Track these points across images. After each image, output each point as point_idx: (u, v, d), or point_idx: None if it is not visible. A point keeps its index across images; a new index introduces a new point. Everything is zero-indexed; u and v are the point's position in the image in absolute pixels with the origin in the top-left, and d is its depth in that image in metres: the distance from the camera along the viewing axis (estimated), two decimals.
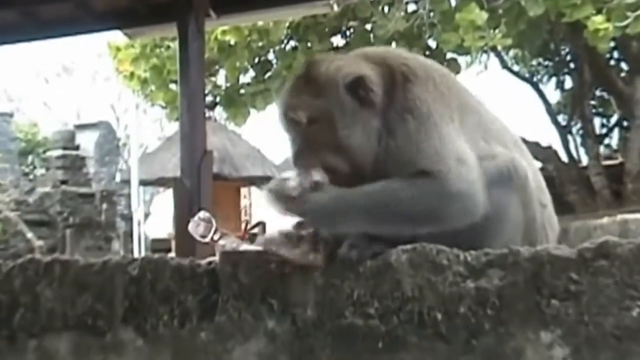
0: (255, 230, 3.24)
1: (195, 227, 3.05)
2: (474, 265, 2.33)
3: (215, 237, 3.06)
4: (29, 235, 24.64)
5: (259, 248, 2.70)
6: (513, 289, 2.27)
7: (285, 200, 2.63)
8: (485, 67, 24.55)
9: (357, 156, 2.74)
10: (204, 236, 3.02)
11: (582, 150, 24.32)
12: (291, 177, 2.69)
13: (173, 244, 19.55)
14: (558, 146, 23.36)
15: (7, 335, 2.93)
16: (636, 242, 2.18)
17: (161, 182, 25.02)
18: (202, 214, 3.04)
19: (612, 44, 16.82)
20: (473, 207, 2.58)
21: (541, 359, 2.21)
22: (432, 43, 17.08)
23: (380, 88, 2.79)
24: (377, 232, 2.57)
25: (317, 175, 2.65)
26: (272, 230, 2.70)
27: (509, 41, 16.95)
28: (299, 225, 2.68)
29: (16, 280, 2.94)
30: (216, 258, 2.77)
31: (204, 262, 2.74)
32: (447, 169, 2.59)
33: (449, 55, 16.70)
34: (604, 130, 28.11)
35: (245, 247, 2.98)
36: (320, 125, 2.78)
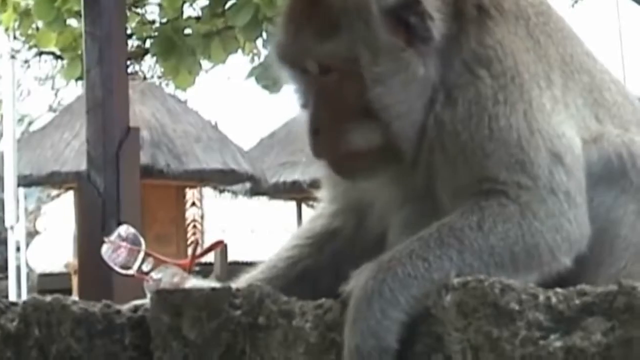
0: (208, 256, 3.27)
1: (112, 253, 3.09)
2: (563, 312, 2.36)
3: (145, 268, 3.10)
4: None
5: (217, 285, 2.74)
6: (626, 350, 2.30)
7: None
8: None
9: (395, 126, 2.75)
10: (126, 266, 3.06)
11: None
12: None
13: (74, 281, 19.56)
14: None
15: None
16: None
17: (55, 181, 25.05)
18: (124, 230, 3.08)
19: None
20: (577, 232, 2.65)
21: None
22: None
23: (441, 17, 2.79)
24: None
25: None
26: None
27: None
28: None
29: None
30: (146, 301, 2.80)
31: (125, 307, 2.77)
32: (533, 179, 2.64)
33: None
34: None
35: (193, 282, 3.02)
36: (340, 77, 2.79)
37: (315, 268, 2.98)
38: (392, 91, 2.74)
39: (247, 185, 26.97)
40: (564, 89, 2.76)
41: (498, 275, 2.43)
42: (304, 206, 26.32)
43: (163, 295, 2.72)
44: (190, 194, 26.92)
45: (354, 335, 2.44)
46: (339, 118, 2.77)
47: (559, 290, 2.40)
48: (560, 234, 2.61)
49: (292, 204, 27.51)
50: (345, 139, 2.77)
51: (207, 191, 27.87)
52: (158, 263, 3.13)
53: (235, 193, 28.89)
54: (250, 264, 3.32)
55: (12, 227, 21.02)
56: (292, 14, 2.87)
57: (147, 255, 3.13)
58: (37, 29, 18.32)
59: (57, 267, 24.76)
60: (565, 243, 2.61)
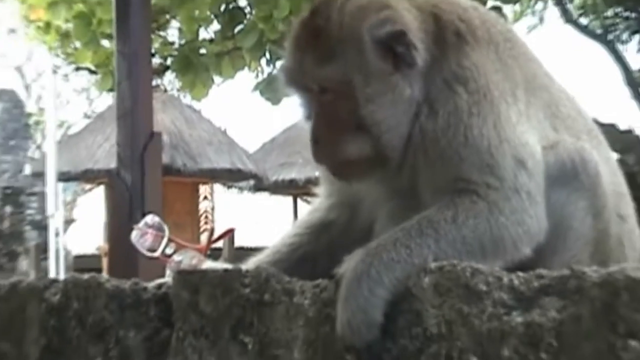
0: (220, 242, 3.27)
1: (141, 237, 3.08)
2: (523, 292, 2.36)
3: (168, 251, 3.09)
4: None
5: (229, 266, 2.73)
6: (576, 325, 2.29)
7: None
8: (541, 20, 24.63)
9: (384, 139, 2.75)
10: (152, 249, 3.05)
11: None
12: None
13: (105, 262, 19.54)
14: None
15: None
16: None
17: (89, 177, 25.06)
18: (151, 219, 3.08)
19: None
20: (536, 225, 2.66)
21: None
22: None
23: (424, 46, 2.79)
24: None
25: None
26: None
27: None
28: None
29: None
30: (168, 280, 2.79)
31: (151, 285, 2.77)
32: (500, 180, 2.64)
33: (490, 2, 16.75)
34: None
35: (209, 264, 3.01)
36: (337, 96, 2.79)
37: (313, 253, 2.98)
38: (381, 109, 2.74)
39: (251, 182, 27.03)
40: (527, 104, 2.77)
41: (469, 261, 2.44)
42: (299, 201, 26.34)
43: (183, 275, 2.71)
44: (203, 189, 26.90)
45: (345, 310, 2.44)
46: (335, 130, 2.78)
47: (520, 274, 2.39)
48: (522, 227, 2.62)
49: (289, 199, 27.54)
50: (341, 149, 2.78)
51: (217, 187, 27.86)
52: (179, 247, 3.13)
53: (241, 189, 28.90)
54: (253, 249, 3.32)
55: (52, 216, 21.03)
56: (297, 42, 2.86)
57: (169, 240, 3.12)
58: (75, 48, 18.28)
59: (89, 249, 24.74)
60: (526, 235, 2.62)
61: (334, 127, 2.78)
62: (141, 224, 3.16)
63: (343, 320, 2.44)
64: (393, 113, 2.74)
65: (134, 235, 3.13)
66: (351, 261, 2.52)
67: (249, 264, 2.92)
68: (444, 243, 2.54)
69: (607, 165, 2.87)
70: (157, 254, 3.12)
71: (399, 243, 2.53)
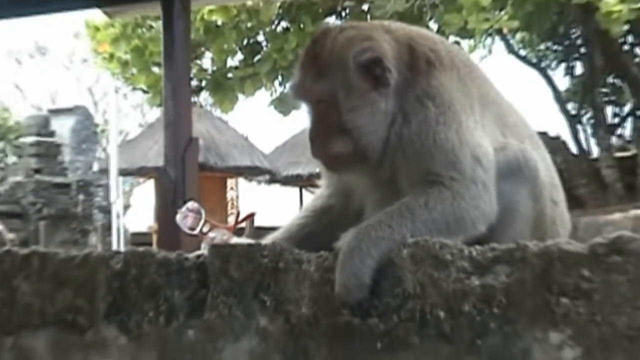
0: (243, 223, 3.26)
1: (183, 219, 3.07)
2: (480, 261, 2.35)
3: (205, 230, 3.08)
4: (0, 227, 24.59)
5: (251, 241, 2.71)
6: (521, 287, 2.28)
7: None
8: (490, 52, 24.55)
9: (363, 140, 2.74)
10: (192, 228, 3.04)
11: (592, 141, 24.38)
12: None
13: (154, 238, 19.55)
14: (567, 137, 23.41)
15: None
16: None
17: (142, 172, 25.02)
18: (191, 204, 3.06)
19: (625, 27, 16.85)
20: (489, 209, 2.64)
21: None
22: (433, 25, 17.09)
23: (396, 69, 2.78)
24: None
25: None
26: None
27: (515, 23, 17.02)
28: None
29: None
30: (205, 251, 2.78)
31: (191, 255, 2.75)
32: (460, 172, 2.62)
33: (451, 38, 16.72)
34: (617, 120, 28.17)
35: (236, 240, 3.00)
36: (327, 106, 2.78)
37: (317, 231, 2.97)
38: (360, 118, 2.74)
39: (267, 176, 27.02)
40: (481, 115, 2.77)
41: (438, 237, 2.44)
42: (304, 191, 26.32)
43: (216, 248, 2.70)
44: (230, 182, 26.88)
45: (341, 275, 2.44)
46: (327, 132, 2.79)
47: (477, 247, 2.39)
48: (479, 210, 2.61)
49: (296, 190, 27.52)
50: (331, 146, 2.78)
51: (241, 180, 27.83)
52: (213, 227, 3.11)
53: (259, 182, 28.88)
54: (268, 229, 3.31)
55: (114, 202, 21.10)
56: (300, 64, 2.86)
57: (205, 221, 3.11)
58: (132, 73, 18.25)
59: (142, 228, 24.73)
60: (482, 217, 2.62)
61: (326, 130, 2.78)
62: (184, 208, 3.15)
63: (340, 283, 2.44)
64: (371, 121, 2.74)
65: (178, 217, 3.11)
66: (346, 238, 2.52)
67: (267, 240, 2.91)
68: (418, 223, 2.53)
69: (543, 162, 2.87)
70: (196, 231, 3.11)
71: (383, 224, 2.52)
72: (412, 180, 2.68)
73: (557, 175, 3.00)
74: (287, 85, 17.94)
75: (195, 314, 2.66)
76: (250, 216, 3.34)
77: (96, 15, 16.54)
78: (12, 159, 34.03)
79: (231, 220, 3.42)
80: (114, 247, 20.02)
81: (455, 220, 2.58)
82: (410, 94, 2.75)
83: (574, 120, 24.33)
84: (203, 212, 3.12)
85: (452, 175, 2.62)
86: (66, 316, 2.82)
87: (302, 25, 17.61)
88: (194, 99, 18.98)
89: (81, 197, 27.41)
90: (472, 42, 18.97)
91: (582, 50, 25.61)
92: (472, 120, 2.73)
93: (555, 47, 27.19)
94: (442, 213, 2.58)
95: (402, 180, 2.72)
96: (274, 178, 26.93)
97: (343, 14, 18.65)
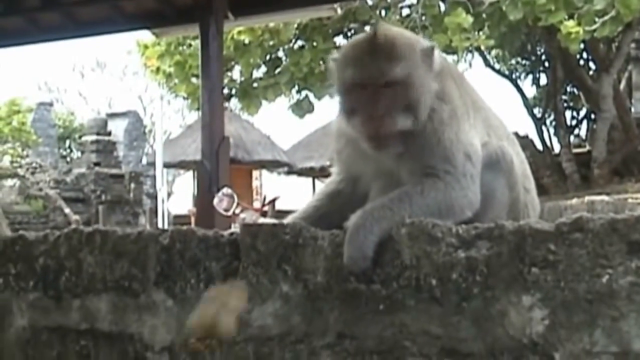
0: (266, 208, 3.25)
1: (219, 202, 3.07)
2: (465, 237, 2.34)
3: (237, 211, 3.08)
4: (67, 210, 24.71)
5: (275, 221, 2.71)
6: (498, 259, 2.27)
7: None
8: (470, 66, 24.54)
9: (422, 116, 2.65)
10: (227, 210, 3.04)
11: (554, 140, 24.36)
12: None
13: (192, 220, 19.59)
14: (534, 136, 23.43)
15: (54, 295, 2.96)
16: (606, 218, 2.19)
17: (182, 165, 25.13)
18: (226, 190, 3.06)
19: (582, 45, 16.80)
20: (475, 198, 2.61)
21: (522, 319, 2.22)
22: None
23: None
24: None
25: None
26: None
27: (491, 42, 17.00)
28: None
29: (62, 248, 2.96)
30: (237, 230, 2.78)
31: (226, 233, 2.75)
32: (454, 168, 2.59)
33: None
34: (574, 122, 28.18)
35: (262, 220, 3.00)
36: (399, 86, 2.63)
37: (329, 213, 2.93)
38: (424, 96, 2.64)
39: (285, 169, 27.04)
40: (474, 119, 2.74)
41: (431, 219, 2.42)
42: (316, 181, 26.33)
43: (246, 227, 2.69)
44: (254, 173, 26.92)
45: (348, 249, 2.42)
46: (393, 110, 2.62)
47: (463, 226, 2.38)
48: (467, 199, 2.59)
49: (310, 180, 27.53)
50: (394, 122, 2.62)
51: (264, 172, 27.86)
52: (244, 209, 3.12)
53: (279, 173, 28.92)
54: (287, 212, 3.30)
55: (160, 189, 21.11)
56: (365, 55, 2.67)
57: (238, 204, 3.11)
58: (175, 83, 18.24)
59: (183, 212, 24.80)
60: (469, 205, 2.59)
61: (393, 108, 2.62)
62: (220, 193, 3.15)
63: (347, 255, 2.42)
64: (428, 100, 2.66)
65: (216, 201, 3.12)
66: (353, 218, 2.49)
67: (288, 220, 2.90)
68: (415, 207, 2.50)
69: (518, 157, 2.85)
70: (229, 212, 3.12)
71: (385, 206, 2.50)
72: (412, 171, 2.64)
73: (528, 167, 2.99)
74: (303, 94, 17.97)
75: (229, 281, 2.65)
76: (275, 200, 3.34)
77: (146, 35, 16.56)
78: (76, 154, 34.12)
79: (257, 204, 3.42)
80: (159, 226, 20.07)
81: (446, 206, 2.56)
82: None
83: (539, 122, 24.31)
84: (235, 197, 3.12)
85: (447, 168, 2.59)
86: (123, 283, 2.83)
87: (314, 44, 17.60)
88: (225, 104, 19.00)
89: (133, 185, 27.48)
90: (455, 57, 18.94)
91: (546, 64, 25.59)
92: (468, 124, 2.70)
93: (524, 61, 27.18)
94: (435, 200, 2.55)
95: (402, 170, 2.68)
96: (291, 170, 26.97)
97: (349, 34, 18.62)
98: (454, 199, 2.58)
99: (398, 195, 2.57)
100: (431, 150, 2.63)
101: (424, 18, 16.34)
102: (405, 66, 2.64)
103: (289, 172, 27.83)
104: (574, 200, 15.30)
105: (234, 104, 21.04)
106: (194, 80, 17.03)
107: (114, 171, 27.43)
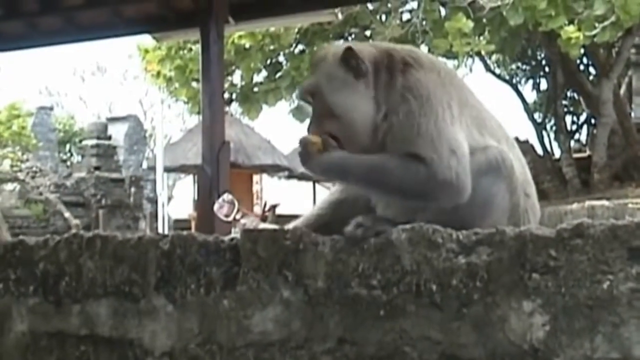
0: (267, 213, 3.25)
1: (220, 208, 3.06)
2: (465, 243, 2.34)
3: (238, 217, 3.07)
4: (67, 214, 24.69)
5: (276, 227, 2.71)
6: (499, 264, 2.27)
7: (306, 157, 2.69)
8: (471, 70, 24.55)
9: (351, 122, 2.69)
10: (227, 215, 3.03)
11: (555, 145, 24.37)
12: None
13: (193, 224, 19.59)
14: (534, 141, 23.44)
15: (54, 300, 2.95)
16: (607, 224, 2.20)
17: (183, 169, 25.09)
18: (226, 196, 3.06)
19: (582, 50, 16.81)
20: (456, 193, 2.58)
21: (523, 325, 2.22)
22: (424, 48, 17.06)
23: (372, 63, 2.74)
24: (371, 196, 2.75)
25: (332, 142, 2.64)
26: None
27: (491, 47, 17.00)
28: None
29: (62, 252, 2.95)
30: (237, 235, 2.78)
31: (226, 238, 2.75)
32: (438, 158, 2.56)
33: (439, 59, 16.67)
34: (574, 127, 28.18)
35: (263, 225, 3.00)
36: (319, 98, 2.75)
37: (331, 220, 2.91)
38: (346, 102, 2.69)
39: (286, 173, 27.00)
40: (459, 113, 2.70)
41: (416, 203, 2.58)
42: (317, 185, 26.32)
43: (247, 232, 2.69)
44: (255, 178, 26.89)
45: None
46: (322, 119, 2.73)
47: (463, 232, 2.37)
48: (448, 188, 2.57)
49: (310, 184, 27.50)
50: (326, 130, 2.71)
51: (264, 176, 27.84)
52: (244, 214, 3.11)
53: (279, 177, 28.90)
54: (288, 216, 3.30)
55: (160, 194, 21.10)
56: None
57: (238, 210, 3.11)
58: (175, 87, 18.27)
59: (183, 216, 24.77)
60: (447, 196, 2.57)
61: (320, 118, 2.74)
62: (220, 199, 3.14)
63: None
64: (356, 106, 2.69)
65: (216, 207, 3.11)
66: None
67: (289, 226, 2.90)
68: (387, 178, 2.61)
69: (518, 161, 2.82)
70: (230, 218, 3.11)
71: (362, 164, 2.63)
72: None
73: (528, 171, 2.98)
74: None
75: (229, 287, 2.65)
76: (275, 207, 3.33)
77: (146, 40, 16.59)
78: (76, 159, 34.11)
79: (257, 209, 3.42)
80: (160, 231, 20.05)
81: (428, 190, 2.57)
82: (393, 90, 2.70)
83: (539, 127, 24.33)
84: (236, 202, 3.12)
85: (432, 156, 2.57)
86: (123, 288, 2.82)
87: (315, 48, 17.63)
88: (226, 108, 19.02)
89: (133, 189, 27.47)
90: (456, 62, 18.96)
91: (547, 69, 25.60)
92: (449, 115, 2.66)
93: (524, 66, 27.20)
94: (414, 176, 2.57)
95: None
96: (291, 174, 26.90)
97: (349, 38, 18.65)
98: (434, 186, 2.56)
99: (379, 159, 2.63)
100: (412, 141, 2.61)
101: (424, 23, 16.37)
102: (317, 76, 2.77)
103: (289, 177, 27.79)
104: (575, 205, 15.31)
105: (235, 108, 21.07)
106: (194, 84, 17.07)
107: (114, 175, 27.41)
